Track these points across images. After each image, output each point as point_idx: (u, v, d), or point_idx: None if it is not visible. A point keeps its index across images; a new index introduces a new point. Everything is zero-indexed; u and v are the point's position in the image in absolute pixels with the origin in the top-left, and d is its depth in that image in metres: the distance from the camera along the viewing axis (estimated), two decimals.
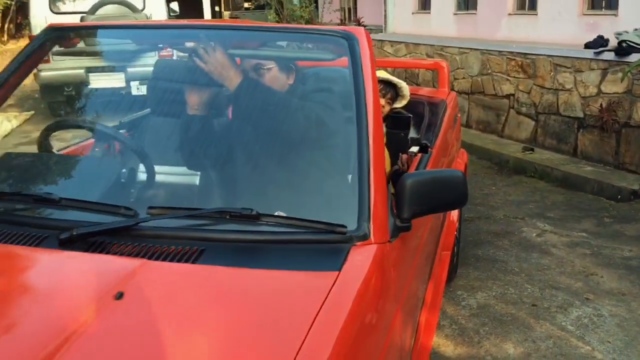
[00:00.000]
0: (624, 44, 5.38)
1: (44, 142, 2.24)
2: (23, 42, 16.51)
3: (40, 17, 8.42)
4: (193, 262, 1.45)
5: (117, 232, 1.55)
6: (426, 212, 1.74)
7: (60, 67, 8.56)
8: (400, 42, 9.04)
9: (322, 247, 1.53)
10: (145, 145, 2.13)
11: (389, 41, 9.41)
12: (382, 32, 10.24)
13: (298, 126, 1.95)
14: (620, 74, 5.35)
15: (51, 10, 8.45)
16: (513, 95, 6.76)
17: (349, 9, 13.90)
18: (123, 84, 8.84)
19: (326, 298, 1.34)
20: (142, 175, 1.99)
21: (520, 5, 7.12)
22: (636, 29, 5.40)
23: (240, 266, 1.46)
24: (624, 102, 5.44)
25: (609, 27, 5.75)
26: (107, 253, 1.49)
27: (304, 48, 2.21)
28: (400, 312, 1.68)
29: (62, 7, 8.51)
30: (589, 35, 5.89)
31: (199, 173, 2.03)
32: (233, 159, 1.92)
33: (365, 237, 1.55)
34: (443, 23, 8.60)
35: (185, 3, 10.39)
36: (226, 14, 19.79)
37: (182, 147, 2.02)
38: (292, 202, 1.77)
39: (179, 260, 1.46)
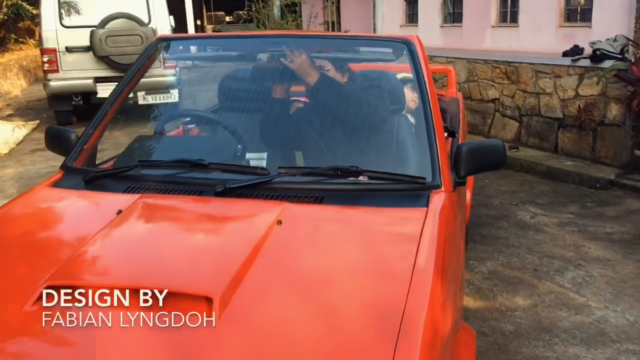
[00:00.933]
0: (598, 52, 6.10)
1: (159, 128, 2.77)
2: (9, 56, 16.73)
3: (51, 31, 8.84)
4: (319, 204, 2.01)
5: (257, 185, 2.10)
6: (476, 171, 2.33)
7: (69, 77, 9.00)
8: None
9: (409, 193, 2.10)
10: (253, 123, 2.65)
11: None
12: None
13: (377, 110, 2.53)
14: (595, 79, 6.07)
15: (61, 24, 8.88)
16: (498, 99, 7.45)
17: (333, 23, 14.57)
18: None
19: (424, 222, 1.91)
20: (259, 145, 2.53)
21: (503, 19, 7.83)
22: (608, 39, 6.12)
23: (355, 205, 2.03)
24: (599, 103, 6.16)
25: (583, 37, 6.47)
26: (254, 199, 2.04)
27: (371, 51, 2.81)
28: (462, 241, 2.27)
29: (72, 22, 8.93)
30: (566, 45, 6.60)
31: (304, 140, 2.56)
32: (330, 130, 2.48)
33: (438, 187, 2.12)
34: (430, 35, 9.26)
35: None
36: (209, 27, 20.32)
37: (288, 123, 2.58)
38: (383, 163, 2.34)
39: (308, 202, 2.02)
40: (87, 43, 8.93)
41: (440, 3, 8.94)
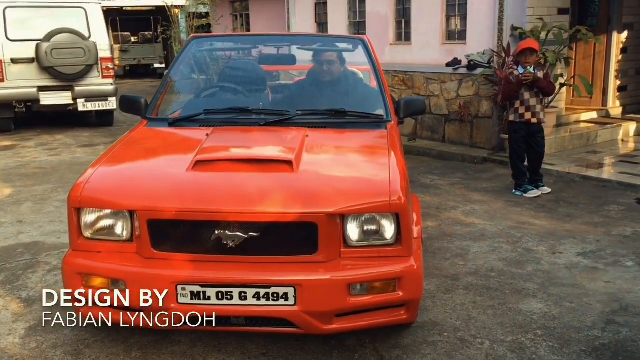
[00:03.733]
0: (472, 62, 8.02)
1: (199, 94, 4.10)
2: None
3: None
4: (324, 129, 3.47)
5: (283, 121, 3.52)
6: (409, 115, 3.88)
7: (14, 86, 9.76)
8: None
9: (374, 124, 3.61)
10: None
11: None
12: None
13: (360, 85, 4.04)
14: (471, 83, 7.97)
15: (7, 38, 9.64)
16: None
17: None
18: (71, 101, 10.23)
19: (387, 135, 3.42)
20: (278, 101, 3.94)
21: (398, 38, 9.62)
22: (479, 52, 8.04)
23: (347, 129, 3.51)
24: (474, 101, 8.06)
25: (461, 51, 8.37)
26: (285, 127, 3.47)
27: (338, 45, 4.33)
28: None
29: (17, 36, 9.70)
30: (448, 58, 8.48)
31: (312, 97, 3.97)
32: (328, 93, 3.94)
33: (390, 121, 3.65)
34: None
35: None
36: (116, 47, 21.01)
37: (305, 88, 4.05)
38: (358, 108, 3.78)
39: (318, 128, 3.47)
40: (31, 55, 9.74)
41: (347, 26, 10.64)
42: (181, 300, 2.72)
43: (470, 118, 8.15)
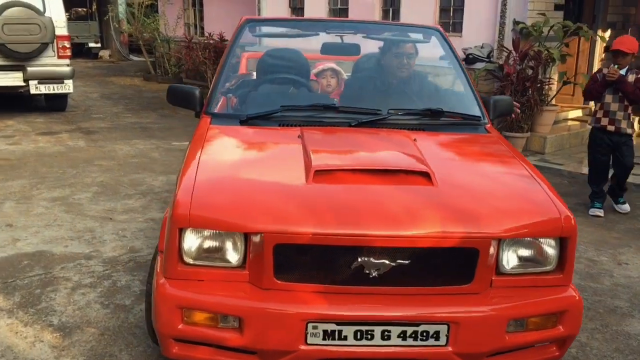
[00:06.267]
0: (470, 56, 7.76)
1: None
2: None
3: None
4: (423, 131, 3.03)
5: (376, 121, 3.05)
6: (499, 116, 3.50)
7: None
8: None
9: (471, 126, 3.21)
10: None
11: None
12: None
13: (443, 82, 3.61)
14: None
15: None
16: None
17: (195, 25, 15.06)
18: (22, 83, 9.22)
19: (498, 140, 3.03)
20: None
21: None
22: (477, 46, 7.81)
23: (446, 132, 3.09)
24: None
25: (456, 44, 8.05)
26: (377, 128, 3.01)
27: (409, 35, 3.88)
28: None
29: None
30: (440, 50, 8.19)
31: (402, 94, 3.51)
32: (413, 90, 3.49)
33: (486, 123, 3.27)
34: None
35: None
36: None
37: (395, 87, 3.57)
38: (454, 108, 3.36)
39: (416, 130, 3.03)
40: None
41: (326, 12, 10.16)
42: (311, 340, 2.23)
43: None
